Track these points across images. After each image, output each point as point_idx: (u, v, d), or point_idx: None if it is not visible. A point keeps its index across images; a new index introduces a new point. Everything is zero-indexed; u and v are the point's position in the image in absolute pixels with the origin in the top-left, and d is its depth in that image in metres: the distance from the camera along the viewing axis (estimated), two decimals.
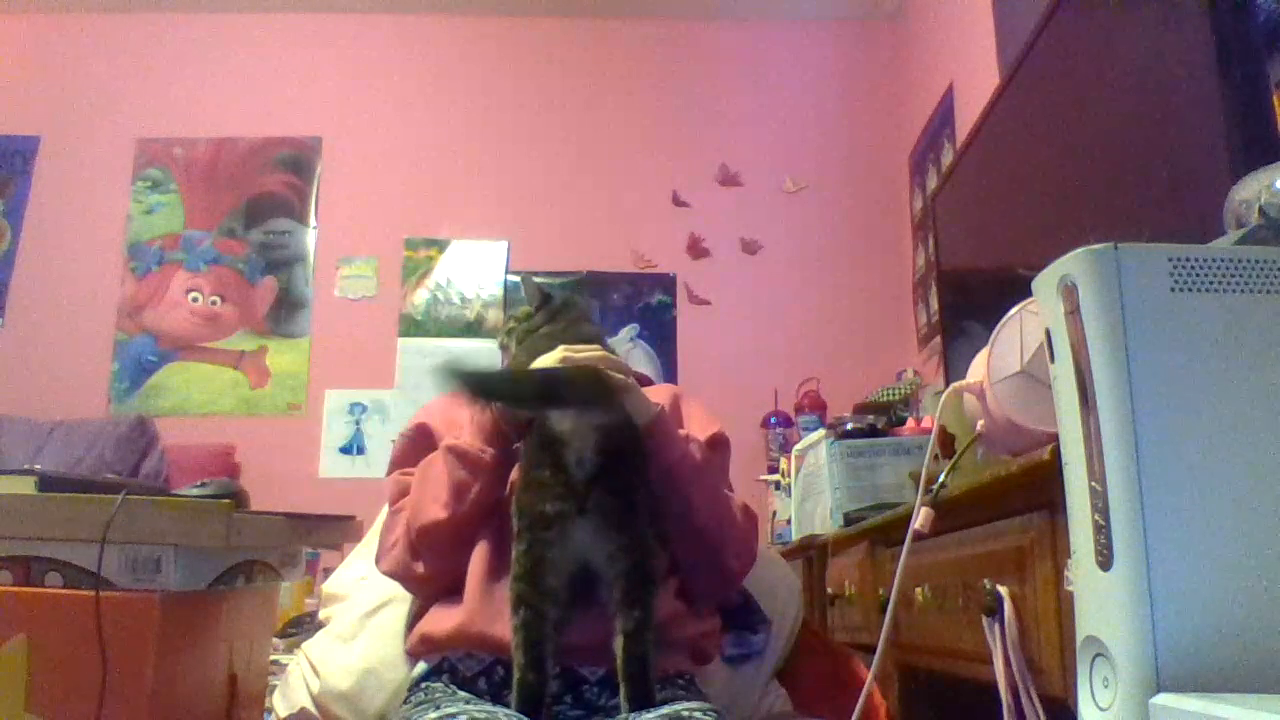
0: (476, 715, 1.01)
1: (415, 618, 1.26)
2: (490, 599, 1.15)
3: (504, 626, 1.10)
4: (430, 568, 1.20)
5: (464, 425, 1.26)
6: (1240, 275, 0.68)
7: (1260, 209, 0.87)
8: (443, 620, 1.17)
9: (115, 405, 3.51)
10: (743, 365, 3.52)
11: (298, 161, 3.78)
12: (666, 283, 3.69)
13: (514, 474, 1.19)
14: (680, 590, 1.24)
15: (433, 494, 1.19)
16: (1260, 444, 0.66)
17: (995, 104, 1.79)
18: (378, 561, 1.28)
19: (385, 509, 1.33)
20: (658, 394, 1.37)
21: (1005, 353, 0.95)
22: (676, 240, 3.73)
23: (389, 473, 1.32)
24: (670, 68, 3.91)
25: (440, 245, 3.72)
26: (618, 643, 1.06)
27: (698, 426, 1.35)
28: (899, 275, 3.61)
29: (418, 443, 1.31)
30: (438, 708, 1.04)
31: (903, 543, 1.07)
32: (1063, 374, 0.71)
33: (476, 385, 1.11)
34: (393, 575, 1.27)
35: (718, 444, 1.34)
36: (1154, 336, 0.66)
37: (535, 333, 1.33)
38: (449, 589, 1.20)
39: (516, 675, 1.05)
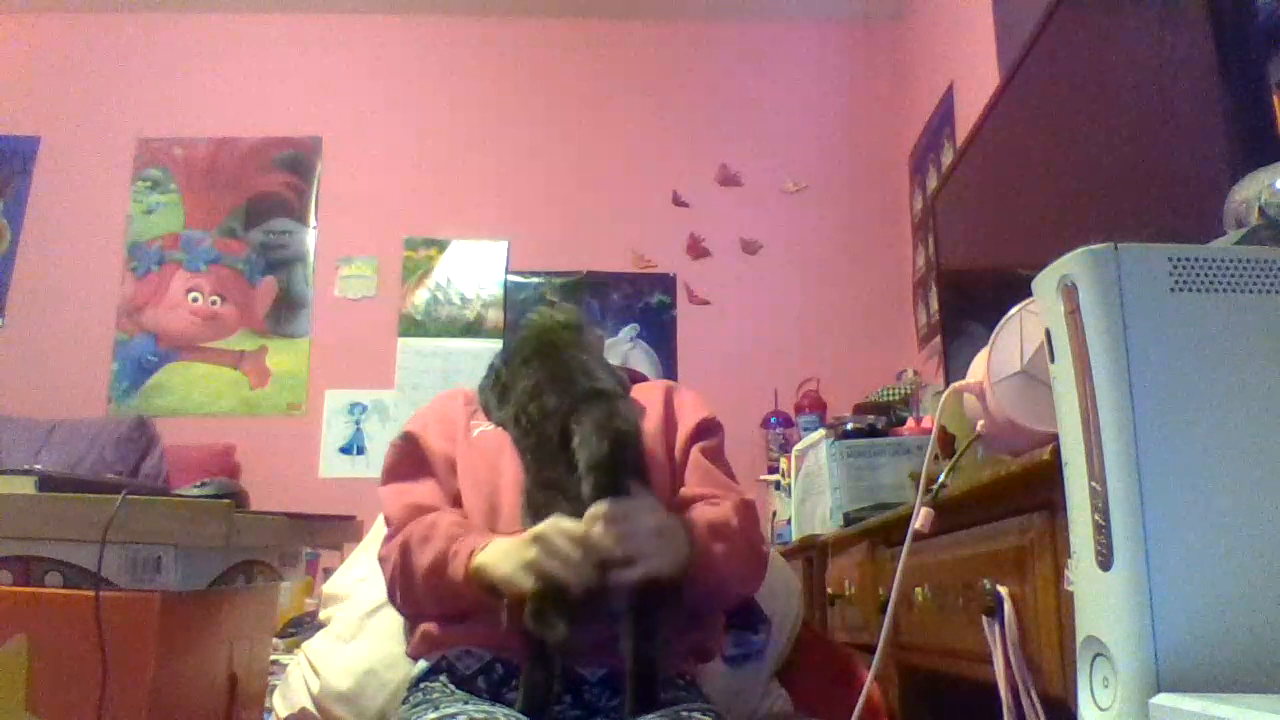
0: (475, 715, 1.00)
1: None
2: None
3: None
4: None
5: (456, 437, 1.27)
6: (1240, 275, 0.68)
7: (1260, 209, 0.87)
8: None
9: (115, 405, 3.51)
10: (743, 365, 3.52)
11: (298, 161, 3.78)
12: (666, 283, 3.69)
13: (519, 472, 1.18)
14: None
15: (434, 599, 1.16)
16: (1260, 444, 0.66)
17: (995, 104, 1.79)
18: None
19: (381, 517, 1.33)
20: (650, 390, 1.37)
21: (1005, 353, 0.95)
22: (676, 240, 3.73)
23: (383, 481, 1.31)
24: (670, 68, 3.91)
25: (440, 245, 3.72)
26: (627, 647, 1.06)
27: (688, 414, 1.34)
28: (899, 275, 3.61)
29: (408, 453, 1.30)
30: (436, 708, 1.04)
31: (903, 543, 1.07)
32: (1063, 374, 0.71)
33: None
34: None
35: (708, 429, 1.33)
36: (1154, 336, 0.66)
37: (517, 391, 1.24)
38: None
39: (524, 673, 1.05)
